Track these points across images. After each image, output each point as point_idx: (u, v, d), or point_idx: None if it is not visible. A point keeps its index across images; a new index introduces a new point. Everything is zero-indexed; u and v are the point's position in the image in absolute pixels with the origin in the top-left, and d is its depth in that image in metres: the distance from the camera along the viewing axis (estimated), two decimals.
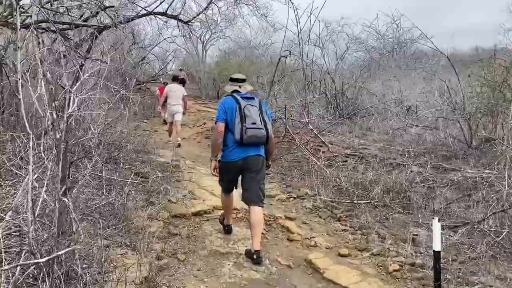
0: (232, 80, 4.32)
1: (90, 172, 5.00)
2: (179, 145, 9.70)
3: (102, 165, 4.99)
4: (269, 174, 5.16)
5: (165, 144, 8.94)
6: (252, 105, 3.99)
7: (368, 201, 5.66)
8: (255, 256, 3.81)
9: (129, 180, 4.89)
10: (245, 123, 3.88)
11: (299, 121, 8.50)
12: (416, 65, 19.24)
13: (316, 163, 7.25)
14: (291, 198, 5.61)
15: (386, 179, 6.48)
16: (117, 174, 5.34)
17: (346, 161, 8.61)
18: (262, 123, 3.95)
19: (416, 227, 4.97)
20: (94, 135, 5.46)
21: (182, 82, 11.95)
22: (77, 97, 3.20)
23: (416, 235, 4.65)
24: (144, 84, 16.89)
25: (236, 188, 4.28)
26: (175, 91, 10.43)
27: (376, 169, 7.33)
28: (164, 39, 16.79)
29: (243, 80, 4.30)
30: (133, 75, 15.91)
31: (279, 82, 8.77)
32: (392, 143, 9.56)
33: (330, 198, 5.70)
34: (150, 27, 19.77)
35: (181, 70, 18.26)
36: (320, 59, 15.16)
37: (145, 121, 14.19)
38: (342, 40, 17.30)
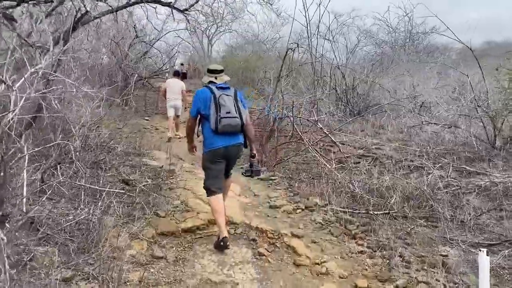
0: (209, 71, 4.38)
1: (67, 181, 4.37)
2: (169, 140, 9.60)
3: (84, 171, 4.35)
4: (260, 172, 4.64)
5: (163, 144, 8.25)
6: (227, 95, 4.10)
7: (386, 211, 4.97)
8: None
9: (112, 190, 4.24)
10: (219, 112, 3.99)
11: (307, 119, 7.80)
12: (428, 59, 18.45)
13: (326, 166, 6.54)
14: (299, 210, 4.89)
15: (404, 185, 5.78)
16: (101, 181, 4.69)
17: (359, 162, 7.93)
18: (237, 112, 4.07)
19: (444, 244, 4.27)
20: (75, 137, 4.83)
21: (184, 77, 11.57)
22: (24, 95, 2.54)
23: (446, 255, 3.95)
24: (147, 79, 16.18)
25: (221, 190, 4.17)
26: (174, 86, 10.48)
27: (392, 172, 6.62)
28: (166, 33, 16.12)
29: (220, 71, 4.37)
30: (135, 71, 15.26)
31: (286, 77, 8.05)
32: (408, 143, 8.83)
33: (343, 207, 5.01)
34: (154, 20, 19.04)
35: (182, 64, 17.60)
36: (330, 52, 14.46)
37: (146, 118, 13.54)
38: (352, 33, 16.42)
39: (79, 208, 3.89)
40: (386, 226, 4.56)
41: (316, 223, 4.48)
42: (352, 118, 11.51)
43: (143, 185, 4.81)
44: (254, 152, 4.44)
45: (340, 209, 4.91)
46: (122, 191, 4.51)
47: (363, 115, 12.59)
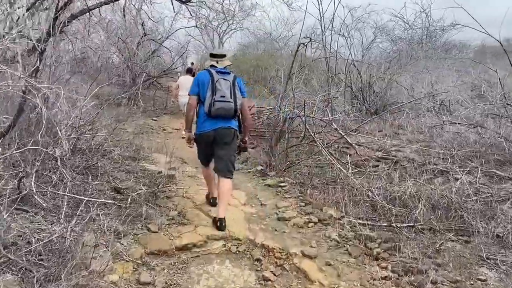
0: (212, 55, 4.49)
1: (48, 190, 3.86)
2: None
3: (69, 179, 3.83)
4: (245, 151, 4.93)
5: (166, 146, 7.73)
6: (225, 79, 4.17)
7: (410, 223, 4.37)
8: (218, 224, 4.03)
9: (98, 200, 3.73)
10: (215, 95, 4.07)
11: (321, 119, 7.21)
12: (446, 56, 17.67)
13: (342, 171, 5.95)
14: (311, 224, 4.28)
15: (429, 192, 5.17)
16: (89, 190, 4.18)
17: (378, 166, 7.33)
18: (232, 97, 4.14)
19: (481, 265, 3.66)
20: (62, 140, 4.32)
21: (193, 75, 11.39)
22: None
23: (485, 280, 3.35)
24: (155, 79, 15.70)
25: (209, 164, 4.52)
26: (187, 82, 10.27)
27: (414, 177, 6.00)
28: (175, 31, 15.64)
29: (221, 56, 4.45)
30: (144, 69, 14.81)
31: (298, 74, 7.47)
32: (430, 144, 8.18)
33: (361, 219, 4.42)
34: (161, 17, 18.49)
35: (192, 64, 17.13)
36: (344, 48, 13.78)
37: (154, 118, 13.07)
38: (368, 29, 15.66)
39: (58, 223, 3.38)
40: (411, 241, 3.97)
41: (332, 240, 3.87)
42: (369, 117, 10.88)
43: (136, 194, 4.27)
44: (246, 138, 4.60)
45: (359, 221, 4.31)
46: (111, 201, 3.98)
47: (380, 115, 11.95)
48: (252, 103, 6.07)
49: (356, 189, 5.42)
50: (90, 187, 4.25)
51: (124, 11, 15.49)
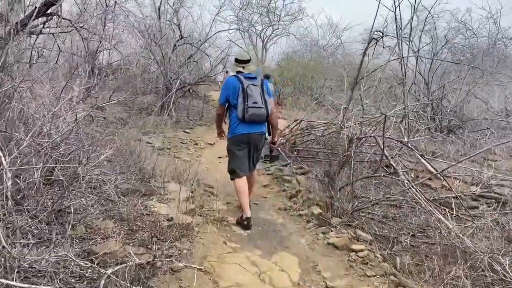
0: (237, 61, 4.54)
1: None
2: None
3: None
4: (278, 157, 5.01)
5: (190, 170, 5.96)
6: (255, 85, 4.26)
7: None
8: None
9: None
10: (247, 102, 4.16)
11: (398, 140, 5.24)
12: None
13: (442, 222, 3.97)
14: None
15: None
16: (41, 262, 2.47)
17: (476, 207, 5.36)
18: (263, 102, 4.26)
19: None
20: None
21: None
22: None
23: None
24: (191, 86, 14.05)
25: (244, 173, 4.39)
26: None
27: None
28: (214, 34, 14.04)
29: (247, 61, 4.50)
30: (178, 76, 13.24)
31: (367, 80, 5.57)
32: None
33: None
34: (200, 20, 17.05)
35: (227, 72, 15.46)
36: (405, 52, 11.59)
37: (187, 130, 11.41)
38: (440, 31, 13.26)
39: None
40: None
41: None
42: (445, 136, 8.78)
43: (119, 268, 2.48)
44: (276, 139, 4.68)
45: None
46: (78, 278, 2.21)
47: (457, 134, 9.78)
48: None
49: (473, 256, 3.44)
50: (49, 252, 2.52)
51: (159, 11, 14.16)
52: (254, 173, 4.67)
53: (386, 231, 4.49)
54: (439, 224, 4.15)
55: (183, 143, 9.79)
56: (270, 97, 4.38)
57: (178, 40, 13.90)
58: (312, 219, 4.27)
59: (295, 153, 7.37)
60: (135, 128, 9.84)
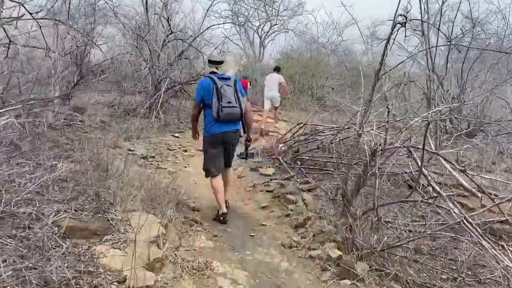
0: (211, 62, 4.67)
1: None
2: None
3: None
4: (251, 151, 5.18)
5: (169, 190, 4.76)
6: (228, 85, 4.40)
7: None
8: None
9: None
10: (221, 102, 4.30)
11: (435, 152, 4.09)
12: None
13: (499, 259, 2.84)
14: None
15: None
16: None
17: None
18: (237, 102, 4.42)
19: None
20: None
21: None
22: None
23: None
24: (182, 85, 12.81)
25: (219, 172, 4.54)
26: (268, 79, 10.85)
27: None
28: (207, 28, 12.84)
29: (220, 62, 4.63)
30: (168, 74, 12.06)
31: (389, 77, 4.41)
32: None
33: None
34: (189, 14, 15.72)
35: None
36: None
37: (176, 134, 10.25)
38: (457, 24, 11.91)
39: None
40: None
41: None
42: (469, 140, 7.66)
43: None
44: (250, 137, 4.85)
45: None
46: None
47: (476, 137, 8.66)
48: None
49: None
50: None
51: (146, 4, 12.97)
52: (229, 170, 4.87)
53: (425, 274, 3.36)
54: (497, 262, 3.02)
55: (170, 149, 8.63)
56: (243, 97, 4.52)
57: (168, 36, 12.70)
58: (329, 266, 3.10)
59: (299, 163, 6.21)
60: (116, 132, 8.62)
